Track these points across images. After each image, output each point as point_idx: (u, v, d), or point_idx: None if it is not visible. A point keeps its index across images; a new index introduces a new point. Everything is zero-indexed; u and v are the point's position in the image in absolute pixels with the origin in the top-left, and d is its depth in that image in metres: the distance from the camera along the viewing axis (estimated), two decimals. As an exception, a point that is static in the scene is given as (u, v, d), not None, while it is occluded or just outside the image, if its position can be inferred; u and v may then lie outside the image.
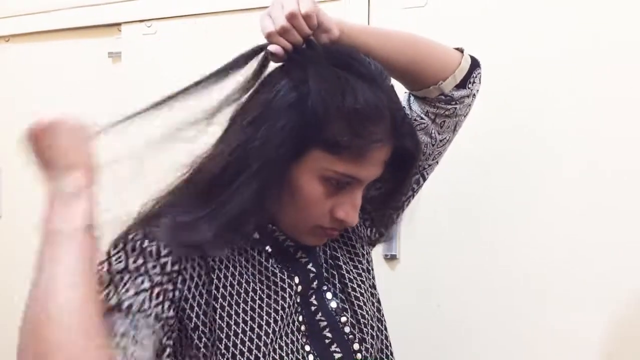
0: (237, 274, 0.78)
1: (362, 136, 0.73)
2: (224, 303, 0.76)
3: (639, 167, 1.25)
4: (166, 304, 0.74)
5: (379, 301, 0.92)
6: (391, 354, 0.90)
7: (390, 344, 0.91)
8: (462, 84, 0.91)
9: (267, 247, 0.82)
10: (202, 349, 0.75)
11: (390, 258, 1.46)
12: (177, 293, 0.75)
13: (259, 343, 0.75)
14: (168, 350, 0.74)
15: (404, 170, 0.83)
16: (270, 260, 0.81)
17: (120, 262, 0.75)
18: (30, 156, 0.70)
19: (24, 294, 0.67)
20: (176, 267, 0.75)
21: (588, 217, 1.28)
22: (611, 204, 1.27)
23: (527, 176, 1.34)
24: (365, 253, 0.93)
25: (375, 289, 0.92)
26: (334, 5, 1.50)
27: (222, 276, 0.77)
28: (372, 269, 0.93)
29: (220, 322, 0.75)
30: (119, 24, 1.81)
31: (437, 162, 0.98)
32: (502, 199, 1.36)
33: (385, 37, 0.87)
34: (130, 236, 0.77)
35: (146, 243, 0.75)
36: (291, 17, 0.75)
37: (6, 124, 2.04)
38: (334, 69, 0.75)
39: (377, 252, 1.47)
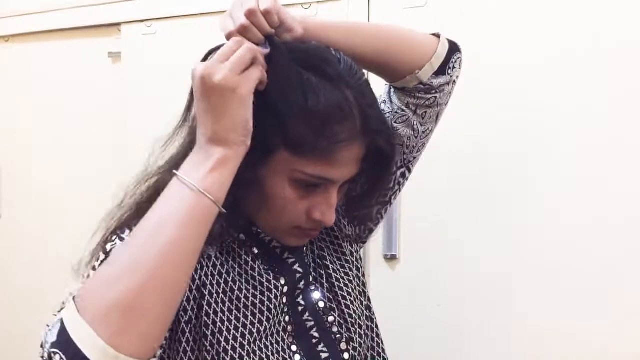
0: (224, 272, 0.78)
1: (325, 137, 0.72)
2: (210, 300, 0.76)
3: (637, 168, 1.25)
4: None
5: (369, 300, 0.91)
6: (383, 351, 0.90)
7: (382, 342, 0.90)
8: (441, 71, 0.89)
9: (254, 249, 0.82)
10: (192, 343, 0.75)
11: (390, 258, 1.46)
12: None
13: (243, 342, 0.75)
14: (164, 341, 0.74)
15: (381, 169, 0.82)
16: (257, 262, 0.81)
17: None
18: (201, 97, 0.69)
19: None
20: None
21: (589, 218, 1.28)
22: (611, 205, 1.27)
23: (527, 177, 1.34)
24: (353, 251, 0.92)
25: (365, 287, 0.91)
26: (334, 5, 1.50)
27: (209, 273, 0.77)
28: (362, 267, 0.92)
29: (206, 319, 0.75)
30: (119, 24, 1.81)
31: (421, 154, 0.96)
32: (502, 199, 1.36)
33: (350, 30, 0.85)
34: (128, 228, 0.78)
35: None
36: (250, 15, 0.74)
37: (6, 124, 2.04)
38: (297, 69, 0.74)
39: (377, 252, 1.47)
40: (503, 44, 1.36)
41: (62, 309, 0.65)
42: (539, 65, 1.32)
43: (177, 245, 0.65)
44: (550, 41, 1.32)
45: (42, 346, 0.62)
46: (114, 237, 0.77)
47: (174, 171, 0.69)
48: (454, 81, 0.92)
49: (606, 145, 1.27)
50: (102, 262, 0.74)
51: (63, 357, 0.59)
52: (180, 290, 0.67)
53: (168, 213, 0.66)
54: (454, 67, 0.90)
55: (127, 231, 0.77)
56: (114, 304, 0.61)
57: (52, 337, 0.61)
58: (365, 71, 0.83)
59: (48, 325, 0.63)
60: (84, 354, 0.59)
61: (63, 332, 0.60)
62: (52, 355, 0.60)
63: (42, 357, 0.61)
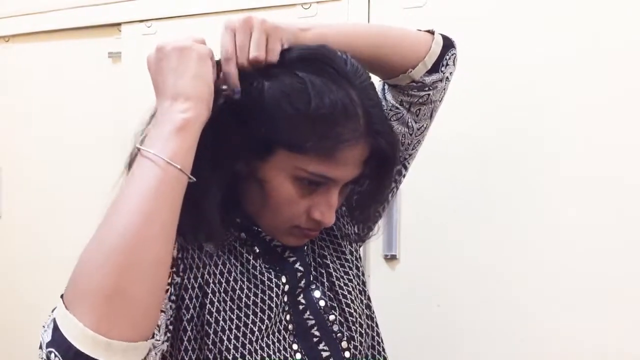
0: (225, 271, 0.78)
1: (329, 137, 0.72)
2: (213, 298, 0.76)
3: (637, 169, 1.25)
4: (170, 289, 0.74)
5: (369, 298, 0.92)
6: (383, 350, 0.90)
7: (382, 340, 0.91)
8: (435, 69, 0.88)
9: (255, 248, 0.82)
10: (193, 342, 0.75)
11: (390, 258, 1.46)
12: (178, 279, 0.75)
13: (244, 340, 0.75)
14: (168, 334, 0.74)
15: (382, 171, 0.81)
16: (258, 260, 0.81)
17: None
18: (151, 73, 0.73)
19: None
20: (180, 255, 0.76)
21: (588, 219, 1.28)
22: (610, 205, 1.27)
23: (527, 177, 1.34)
24: (353, 250, 0.93)
25: (364, 286, 0.92)
26: (334, 5, 1.50)
27: (212, 272, 0.77)
28: (361, 266, 0.93)
29: (208, 317, 0.75)
30: (119, 24, 1.81)
31: (417, 151, 0.97)
32: (502, 199, 1.36)
33: (348, 34, 0.85)
34: None
35: None
36: (240, 50, 0.75)
37: (6, 124, 2.04)
38: (298, 75, 0.74)
39: (377, 252, 1.47)
40: (502, 44, 1.36)
41: (55, 308, 0.65)
42: (539, 65, 1.32)
43: (150, 220, 0.63)
44: (549, 41, 1.32)
45: (40, 347, 0.62)
46: None
47: (137, 145, 0.68)
48: (447, 78, 0.91)
49: (606, 145, 1.27)
50: None
51: (57, 354, 0.59)
52: (161, 267, 0.65)
53: (136, 190, 0.64)
54: (447, 65, 0.90)
55: None
56: (95, 291, 0.60)
57: (48, 337, 0.61)
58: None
59: (44, 326, 0.63)
60: (76, 347, 0.58)
61: (56, 329, 0.60)
62: (49, 354, 0.59)
63: (42, 358, 0.61)
